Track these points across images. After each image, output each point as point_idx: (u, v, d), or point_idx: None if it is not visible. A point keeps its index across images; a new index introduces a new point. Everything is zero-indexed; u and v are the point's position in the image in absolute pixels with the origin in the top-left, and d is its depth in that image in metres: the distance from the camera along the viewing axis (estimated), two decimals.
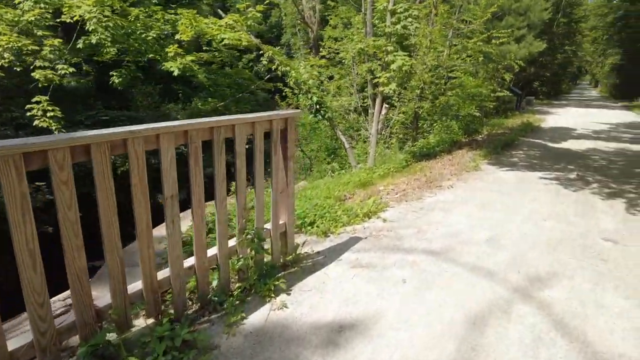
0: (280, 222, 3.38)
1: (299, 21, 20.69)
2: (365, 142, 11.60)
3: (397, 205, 5.31)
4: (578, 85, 66.63)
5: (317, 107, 9.13)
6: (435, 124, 12.01)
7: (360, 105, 13.63)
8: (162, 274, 2.55)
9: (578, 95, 42.90)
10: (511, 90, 19.73)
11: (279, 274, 3.26)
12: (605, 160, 8.20)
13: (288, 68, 9.06)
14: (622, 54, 31.71)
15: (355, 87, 13.11)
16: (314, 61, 9.61)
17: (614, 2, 32.38)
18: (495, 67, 15.03)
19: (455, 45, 13.67)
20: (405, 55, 7.74)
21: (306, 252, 3.75)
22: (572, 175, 6.88)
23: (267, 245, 3.25)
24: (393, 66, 7.60)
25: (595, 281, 3.28)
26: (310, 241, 4.08)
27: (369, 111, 11.61)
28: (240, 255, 3.00)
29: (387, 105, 10.18)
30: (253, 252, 3.03)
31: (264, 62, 9.01)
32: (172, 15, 9.05)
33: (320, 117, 9.11)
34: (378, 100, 8.67)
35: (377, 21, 8.71)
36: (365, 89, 12.88)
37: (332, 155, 11.23)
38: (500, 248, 3.87)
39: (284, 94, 11.54)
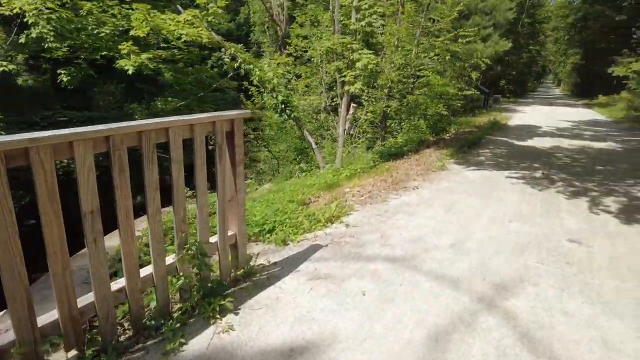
0: (230, 233, 3.11)
1: (267, 19, 20.29)
2: (334, 141, 11.40)
3: (362, 208, 5.10)
4: (542, 84, 68.83)
5: (283, 106, 8.84)
6: (403, 123, 11.93)
7: (329, 105, 13.46)
8: (86, 299, 2.23)
9: (543, 93, 44.24)
10: (479, 89, 20.01)
11: (228, 291, 2.99)
12: (569, 158, 8.28)
13: (251, 66, 8.74)
14: (582, 54, 32.84)
15: (324, 86, 12.90)
16: (280, 59, 9.32)
17: (574, 4, 33.49)
18: (462, 65, 15.15)
19: (422, 43, 13.68)
20: (370, 54, 7.57)
21: (261, 264, 3.49)
22: (538, 174, 6.88)
23: (216, 259, 2.98)
24: (358, 65, 7.41)
25: (561, 286, 3.16)
26: (268, 250, 3.82)
27: (338, 110, 11.41)
28: (181, 273, 2.71)
29: (354, 105, 10.01)
30: (196, 269, 2.75)
31: (227, 60, 8.64)
32: (129, 10, 8.56)
33: (285, 116, 8.82)
34: (345, 100, 8.47)
35: (342, 17, 8.51)
36: (335, 88, 12.71)
37: (301, 156, 10.98)
38: (465, 253, 3.72)
39: (249, 92, 11.21)
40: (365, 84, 7.71)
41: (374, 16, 7.28)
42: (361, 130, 11.31)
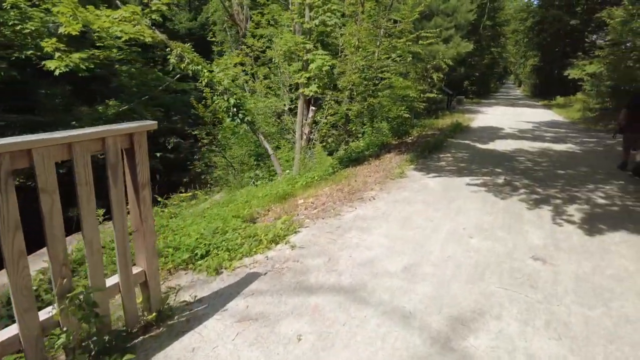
0: (136, 270, 2.55)
1: (226, 18, 19.55)
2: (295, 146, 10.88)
3: (312, 224, 4.63)
4: (504, 85, 70.78)
5: (235, 110, 8.28)
6: (365, 127, 11.58)
7: (289, 108, 12.97)
8: None
9: (505, 94, 45.37)
10: (442, 90, 20.02)
11: (133, 343, 2.44)
12: (531, 162, 8.12)
13: (199, 67, 8.13)
14: (540, 57, 33.79)
15: (285, 88, 12.40)
16: (233, 59, 8.73)
17: (533, 7, 34.45)
18: (425, 67, 15.00)
19: (384, 44, 13.40)
20: (326, 55, 7.12)
21: (184, 302, 2.95)
22: (500, 180, 6.62)
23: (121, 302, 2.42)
24: (312, 66, 6.95)
25: (524, 319, 2.78)
26: (196, 282, 3.27)
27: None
28: (65, 328, 2.14)
29: (314, 108, 9.55)
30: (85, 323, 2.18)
31: (172, 61, 7.99)
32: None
33: (238, 120, 8.26)
34: (301, 103, 7.99)
35: (296, 16, 8.02)
36: (294, 90, 12.22)
37: (257, 162, 10.42)
38: (420, 279, 3.30)
39: (203, 95, 10.55)
40: (322, 86, 7.25)
41: (328, 14, 6.83)
42: (322, 135, 10.87)
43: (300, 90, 7.62)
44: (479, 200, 5.51)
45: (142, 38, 7.66)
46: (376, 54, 13.61)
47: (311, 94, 7.29)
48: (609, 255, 3.89)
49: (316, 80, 7.24)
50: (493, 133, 12.35)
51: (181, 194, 6.32)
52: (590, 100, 18.75)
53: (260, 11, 11.83)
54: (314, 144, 10.73)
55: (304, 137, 9.63)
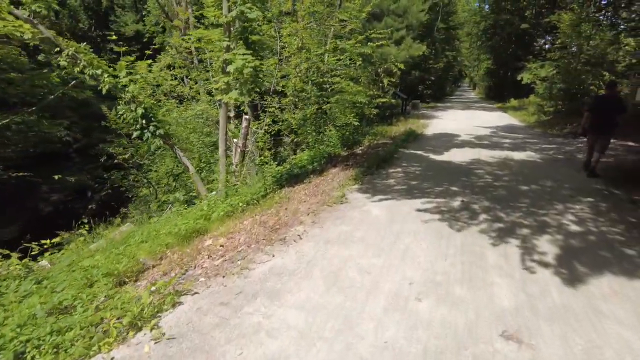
0: None
1: (163, 17, 17.89)
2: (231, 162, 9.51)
3: (205, 287, 3.33)
4: (459, 88, 72.12)
5: (144, 121, 6.84)
6: (310, 137, 10.39)
7: (235, 114, 11.62)
8: None
9: (460, 97, 45.75)
10: (396, 95, 19.23)
11: None
12: (490, 176, 7.18)
13: (99, 71, 6.65)
14: (494, 60, 34.05)
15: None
16: (142, 63, 7.28)
17: (485, 11, 34.72)
18: (376, 70, 14.04)
19: (332, 45, 12.31)
20: (248, 54, 5.84)
21: None
22: (457, 203, 5.56)
23: None
24: (231, 67, 5.65)
25: None
26: None
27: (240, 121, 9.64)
28: None
29: (248, 117, 8.23)
30: None
31: (63, 63, 6.46)
32: None
33: (148, 135, 6.82)
34: (222, 112, 6.65)
35: (212, 9, 6.72)
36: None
37: (184, 182, 8.97)
38: None
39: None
40: (247, 91, 5.97)
41: (248, 5, 5.57)
42: (259, 147, 9.56)
43: (218, 97, 6.31)
44: (432, 235, 4.40)
45: (18, 35, 6.11)
46: (326, 56, 12.52)
47: (231, 101, 5.98)
48: (603, 323, 2.85)
49: (238, 84, 5.95)
50: (448, 141, 11.49)
51: (50, 240, 4.80)
52: (544, 103, 18.50)
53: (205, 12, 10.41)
54: (252, 159, 9.41)
55: (238, 150, 8.31)
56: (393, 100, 16.69)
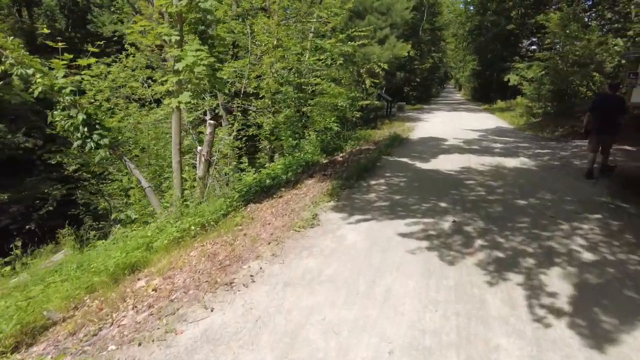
0: None
1: (133, 14, 16.82)
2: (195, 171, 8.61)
3: None
4: (445, 89, 71.95)
5: (87, 130, 5.89)
6: (286, 142, 9.53)
7: (210, 117, 10.67)
8: None
9: (446, 98, 45.39)
10: (381, 97, 18.49)
11: None
12: (483, 188, 6.40)
13: (31, 71, 5.69)
14: (479, 61, 33.62)
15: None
16: (82, 62, 6.29)
17: (471, 11, 34.31)
18: (358, 70, 13.25)
19: (311, 43, 11.51)
20: (202, 49, 4.96)
21: None
22: (446, 224, 4.75)
23: None
24: (180, 65, 4.76)
25: None
26: None
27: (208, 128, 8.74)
28: None
29: (212, 123, 7.33)
30: None
31: None
32: None
33: (92, 145, 5.87)
34: (175, 118, 5.72)
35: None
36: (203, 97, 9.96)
37: (143, 197, 7.98)
38: None
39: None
40: (201, 93, 5.09)
41: None
42: (227, 155, 8.66)
43: (166, 102, 5.39)
44: (419, 271, 3.56)
45: None
46: (306, 56, 11.69)
47: (181, 105, 5.08)
48: None
49: (190, 85, 5.06)
50: (435, 146, 10.72)
51: None
52: (533, 105, 17.95)
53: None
54: (219, 170, 8.52)
55: (203, 159, 7.41)
56: (377, 102, 15.93)
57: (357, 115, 12.84)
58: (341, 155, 9.81)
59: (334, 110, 10.89)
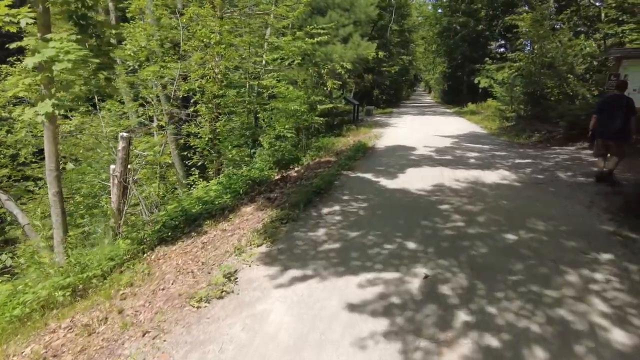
0: None
1: None
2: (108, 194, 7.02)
3: None
4: (415, 92, 71.86)
5: None
6: (229, 155, 8.06)
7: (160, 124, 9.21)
8: None
9: (416, 101, 44.87)
10: (347, 101, 17.23)
11: None
12: (461, 216, 5.12)
13: None
14: (449, 63, 33.03)
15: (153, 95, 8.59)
16: None
17: (439, 13, 33.74)
18: (319, 71, 11.92)
19: (262, 39, 10.12)
20: (69, 40, 3.46)
21: None
22: (416, 282, 3.42)
23: None
24: (31, 61, 3.25)
25: None
26: None
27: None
28: None
29: (125, 135, 5.79)
30: None
31: None
32: None
33: None
34: (47, 134, 4.17)
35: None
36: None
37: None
38: None
39: None
40: (77, 100, 3.59)
41: None
42: (155, 174, 7.12)
43: (16, 114, 3.86)
44: None
45: None
46: (262, 55, 10.26)
47: (41, 118, 3.55)
48: None
49: (55, 86, 3.58)
50: (404, 157, 9.47)
51: None
52: (505, 108, 17.10)
53: None
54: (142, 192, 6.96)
55: (116, 182, 5.85)
56: (340, 106, 14.64)
57: (320, 122, 11.48)
58: (296, 169, 8.41)
59: (290, 117, 9.49)
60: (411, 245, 4.16)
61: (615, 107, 6.11)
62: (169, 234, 4.96)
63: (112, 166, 6.21)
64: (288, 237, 4.41)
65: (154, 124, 8.78)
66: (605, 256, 3.92)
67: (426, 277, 3.47)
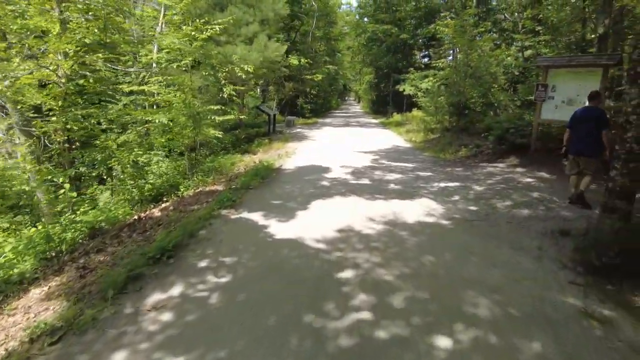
0: None
1: None
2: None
3: None
4: (346, 101, 71.89)
5: None
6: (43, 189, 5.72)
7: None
8: None
9: (345, 111, 44.17)
10: (261, 110, 15.28)
11: None
12: (367, 296, 3.34)
13: None
14: (375, 72, 32.47)
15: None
16: None
17: (364, 23, 33.13)
18: (216, 75, 9.84)
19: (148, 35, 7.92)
20: None
21: None
22: None
23: None
24: None
25: None
26: None
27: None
28: None
29: None
30: None
31: None
32: None
33: None
34: None
35: None
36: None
37: None
38: None
39: None
40: None
41: None
42: None
43: None
44: None
45: None
46: (154, 56, 7.96)
47: None
48: None
49: None
50: (312, 182, 7.66)
51: None
52: (430, 119, 16.19)
53: None
54: None
55: None
56: (244, 117, 12.64)
57: (216, 136, 9.35)
58: (164, 205, 6.25)
59: (166, 133, 7.32)
60: None
61: (585, 119, 5.60)
62: None
63: None
64: None
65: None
66: None
67: None
